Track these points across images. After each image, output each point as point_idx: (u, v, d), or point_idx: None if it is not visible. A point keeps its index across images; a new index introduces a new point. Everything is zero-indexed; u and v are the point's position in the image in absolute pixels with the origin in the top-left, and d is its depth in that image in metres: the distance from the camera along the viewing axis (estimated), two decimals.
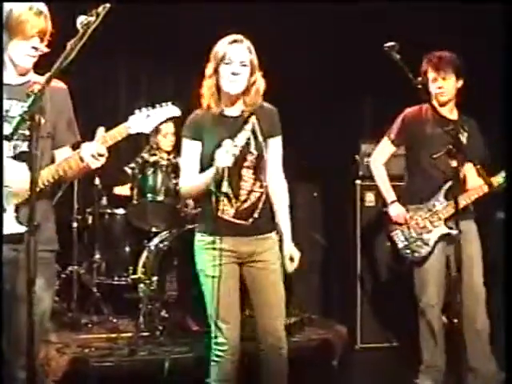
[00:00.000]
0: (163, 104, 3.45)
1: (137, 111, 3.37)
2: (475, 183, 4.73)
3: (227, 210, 3.73)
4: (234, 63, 3.67)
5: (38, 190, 3.14)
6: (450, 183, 4.64)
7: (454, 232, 3.92)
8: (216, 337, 3.75)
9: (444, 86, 4.79)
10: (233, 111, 3.79)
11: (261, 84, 3.78)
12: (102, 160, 3.23)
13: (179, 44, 7.02)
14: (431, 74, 4.80)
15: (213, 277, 3.70)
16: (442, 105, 4.84)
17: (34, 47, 3.28)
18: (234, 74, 3.66)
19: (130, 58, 7.29)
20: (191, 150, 3.77)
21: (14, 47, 3.27)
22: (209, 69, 3.75)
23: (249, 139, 3.76)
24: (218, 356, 3.74)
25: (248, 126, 3.78)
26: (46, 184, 3.24)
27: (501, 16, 4.97)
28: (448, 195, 4.72)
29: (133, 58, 7.26)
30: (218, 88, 3.74)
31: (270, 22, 6.71)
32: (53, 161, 3.37)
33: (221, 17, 6.57)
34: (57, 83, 3.36)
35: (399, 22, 6.23)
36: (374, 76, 6.46)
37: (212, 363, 3.78)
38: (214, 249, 3.71)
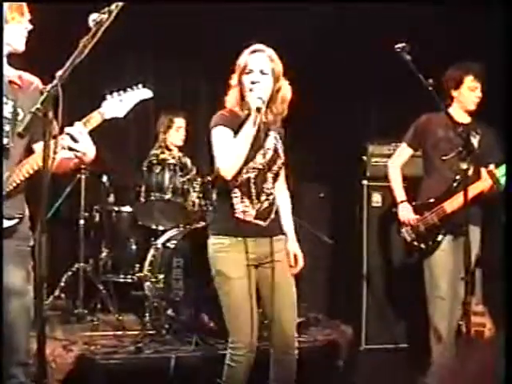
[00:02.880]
0: (134, 87, 3.45)
1: (108, 96, 3.37)
2: (482, 177, 4.82)
3: (248, 212, 3.73)
4: (254, 72, 3.71)
5: (15, 185, 3.21)
6: (458, 179, 4.75)
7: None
8: (233, 341, 3.71)
9: (480, 97, 4.96)
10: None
11: (286, 92, 3.82)
12: (83, 139, 3.20)
13: (171, 39, 7.03)
14: (471, 83, 4.93)
15: (233, 279, 3.68)
16: (469, 112, 4.97)
17: (26, 28, 3.39)
18: (253, 82, 3.70)
19: (134, 50, 7.29)
20: (225, 134, 3.69)
21: (9, 32, 3.33)
22: (233, 80, 3.80)
23: (275, 144, 3.82)
24: (234, 361, 3.70)
25: (272, 131, 3.84)
26: (26, 176, 3.26)
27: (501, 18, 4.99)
28: (455, 190, 4.78)
29: (122, 50, 7.25)
30: (242, 97, 3.77)
31: (276, 24, 6.71)
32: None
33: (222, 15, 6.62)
34: (30, 78, 3.42)
35: (407, 23, 6.23)
36: (381, 77, 6.47)
37: (226, 367, 3.75)
38: (234, 251, 3.70)
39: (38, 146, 3.39)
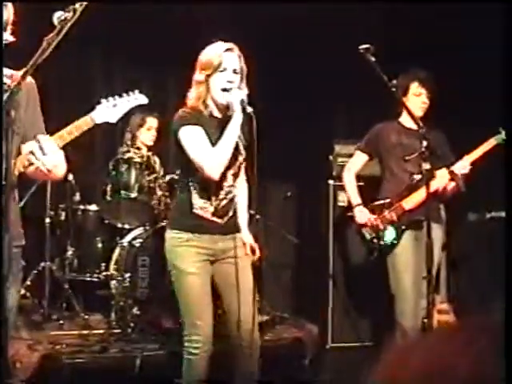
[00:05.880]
0: (130, 92, 3.43)
1: (103, 100, 3.33)
2: (440, 174, 4.82)
3: (206, 208, 3.76)
4: (228, 71, 3.71)
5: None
6: (416, 179, 4.83)
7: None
8: (190, 334, 3.75)
9: (427, 103, 5.03)
10: (219, 113, 3.82)
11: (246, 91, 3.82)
12: (53, 154, 3.10)
13: (154, 40, 7.03)
14: (416, 89, 5.02)
15: (189, 273, 3.73)
16: (417, 118, 4.92)
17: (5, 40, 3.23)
18: (229, 81, 3.71)
19: (105, 51, 7.28)
20: (197, 132, 3.69)
21: None
22: (199, 75, 3.77)
23: (237, 142, 3.80)
24: (191, 354, 3.75)
25: None
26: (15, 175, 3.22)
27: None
28: (414, 189, 4.88)
29: (108, 51, 7.25)
30: (207, 95, 3.77)
31: (247, 25, 6.72)
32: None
33: (196, 18, 6.63)
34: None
35: (375, 24, 6.28)
36: (348, 77, 6.49)
37: (185, 361, 3.78)
38: (191, 246, 3.74)
39: (25, 147, 3.35)
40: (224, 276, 3.86)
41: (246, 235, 3.98)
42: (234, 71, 3.74)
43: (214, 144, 3.69)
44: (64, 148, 3.26)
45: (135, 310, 5.58)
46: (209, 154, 3.65)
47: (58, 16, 2.88)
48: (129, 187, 6.06)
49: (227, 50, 3.76)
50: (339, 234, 6.40)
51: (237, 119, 3.67)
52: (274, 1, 6.26)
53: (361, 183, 5.34)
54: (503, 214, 5.55)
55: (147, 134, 6.56)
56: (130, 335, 5.43)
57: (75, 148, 3.44)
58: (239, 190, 3.97)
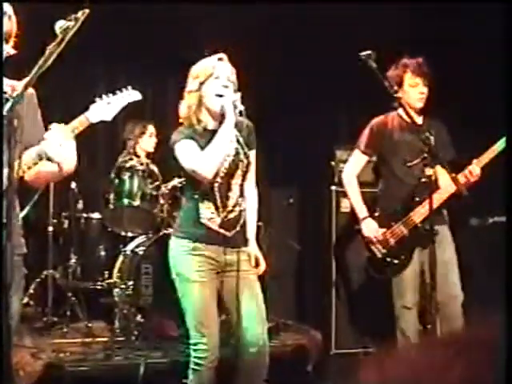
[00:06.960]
0: (123, 89, 3.42)
1: (97, 99, 3.32)
2: (446, 183, 4.63)
3: (214, 219, 3.74)
4: (221, 78, 3.73)
5: None
6: (422, 186, 4.56)
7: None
8: (196, 344, 3.71)
9: (425, 92, 4.78)
10: (215, 125, 3.80)
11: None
12: (63, 147, 3.12)
13: (154, 44, 7.05)
14: (411, 80, 4.76)
15: (195, 282, 3.70)
16: (417, 111, 4.81)
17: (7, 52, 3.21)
18: (224, 86, 3.72)
19: (104, 56, 7.30)
20: (191, 145, 3.70)
21: None
22: (192, 84, 3.78)
23: (237, 148, 3.81)
24: (198, 364, 3.71)
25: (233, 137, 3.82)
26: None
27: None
28: (421, 197, 4.67)
29: (108, 56, 7.27)
30: (200, 105, 3.77)
31: (245, 26, 6.73)
32: None
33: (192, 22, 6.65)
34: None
35: (374, 25, 6.28)
36: (349, 82, 6.49)
37: (191, 371, 3.75)
38: (197, 255, 3.71)
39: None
40: (230, 289, 3.80)
41: (252, 247, 3.93)
42: (228, 79, 3.75)
43: None
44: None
45: (138, 318, 5.59)
46: (199, 157, 3.65)
47: (59, 25, 2.87)
48: (132, 195, 6.08)
49: (219, 59, 3.80)
50: (342, 240, 6.38)
51: (229, 121, 3.67)
52: (275, 1, 6.26)
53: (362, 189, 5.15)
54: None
55: (149, 140, 6.60)
56: (134, 343, 5.43)
57: (78, 156, 3.43)
58: (248, 202, 3.94)
